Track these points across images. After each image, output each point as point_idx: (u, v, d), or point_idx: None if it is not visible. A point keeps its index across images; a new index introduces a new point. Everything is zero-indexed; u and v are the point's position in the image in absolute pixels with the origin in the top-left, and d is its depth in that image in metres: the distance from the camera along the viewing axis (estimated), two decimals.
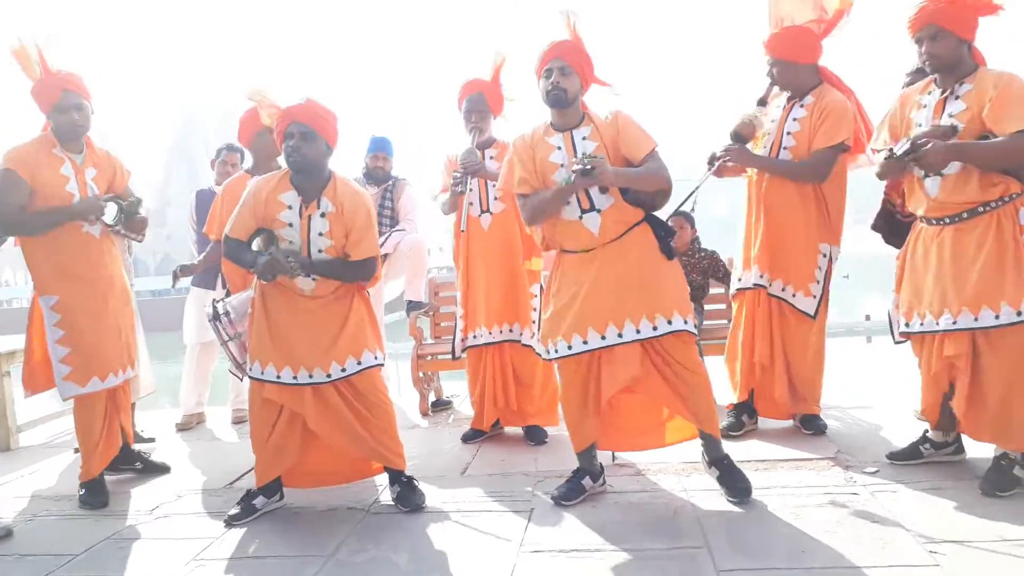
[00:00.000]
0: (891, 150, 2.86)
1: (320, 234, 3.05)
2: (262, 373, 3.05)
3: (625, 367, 2.95)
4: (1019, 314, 2.70)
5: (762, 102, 3.57)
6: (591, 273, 2.96)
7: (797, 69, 3.47)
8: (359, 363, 3.07)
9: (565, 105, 2.99)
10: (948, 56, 2.82)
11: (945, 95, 2.86)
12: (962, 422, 2.96)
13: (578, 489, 3.06)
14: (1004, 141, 2.67)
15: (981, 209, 2.78)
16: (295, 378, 3.03)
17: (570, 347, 2.96)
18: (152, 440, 4.44)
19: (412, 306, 4.88)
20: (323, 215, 3.05)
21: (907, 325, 3.00)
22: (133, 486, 3.61)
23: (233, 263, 3.35)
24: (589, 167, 2.76)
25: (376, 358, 3.13)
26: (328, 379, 3.04)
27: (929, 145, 2.70)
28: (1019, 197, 2.78)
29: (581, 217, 2.96)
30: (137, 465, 3.78)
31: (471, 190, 3.88)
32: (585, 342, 2.94)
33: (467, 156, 3.80)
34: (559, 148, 3.01)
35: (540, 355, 3.31)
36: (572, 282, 3.00)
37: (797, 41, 3.45)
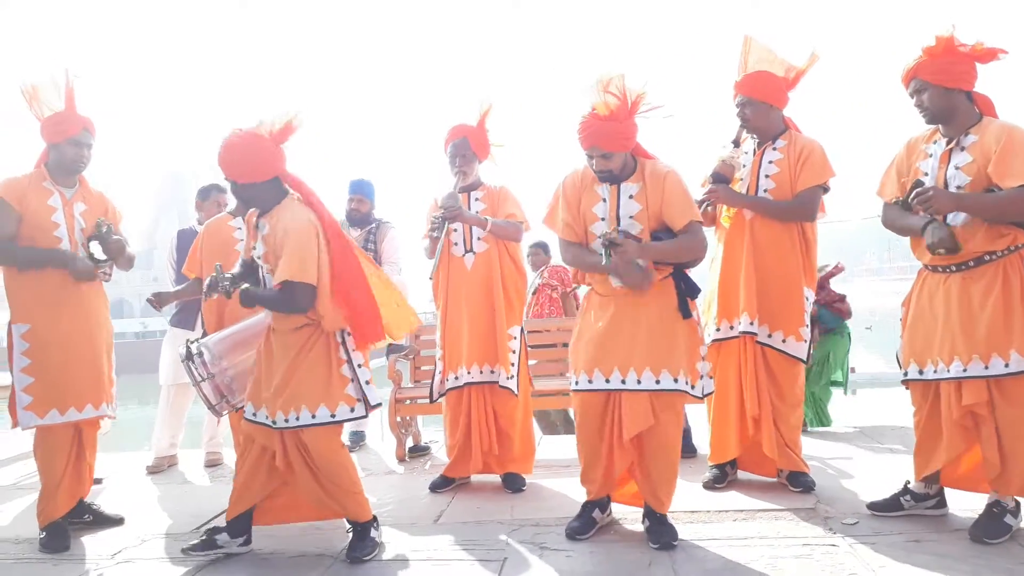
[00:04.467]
0: (898, 199, 2.93)
1: (258, 258, 3.01)
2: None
3: (641, 414, 2.93)
4: None
5: (735, 143, 3.56)
6: (607, 317, 3.01)
7: (770, 111, 3.48)
8: (313, 416, 2.88)
9: (617, 178, 3.02)
10: (935, 108, 2.87)
11: (951, 146, 2.88)
12: (974, 474, 2.92)
13: (590, 522, 3.07)
14: (1005, 195, 2.70)
15: (987, 258, 2.79)
16: (255, 415, 2.99)
17: (591, 381, 2.98)
18: (99, 481, 4.05)
19: (392, 349, 4.84)
20: (262, 239, 2.98)
21: (908, 373, 2.98)
22: (96, 530, 3.48)
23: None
24: (616, 244, 2.86)
25: (333, 416, 2.90)
26: (274, 425, 2.92)
27: (931, 192, 2.74)
28: None
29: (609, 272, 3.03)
30: (86, 517, 3.50)
31: (455, 230, 3.88)
32: (607, 380, 2.95)
33: (447, 201, 3.77)
34: (604, 200, 3.04)
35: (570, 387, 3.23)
36: (594, 320, 3.06)
37: (773, 83, 3.48)
